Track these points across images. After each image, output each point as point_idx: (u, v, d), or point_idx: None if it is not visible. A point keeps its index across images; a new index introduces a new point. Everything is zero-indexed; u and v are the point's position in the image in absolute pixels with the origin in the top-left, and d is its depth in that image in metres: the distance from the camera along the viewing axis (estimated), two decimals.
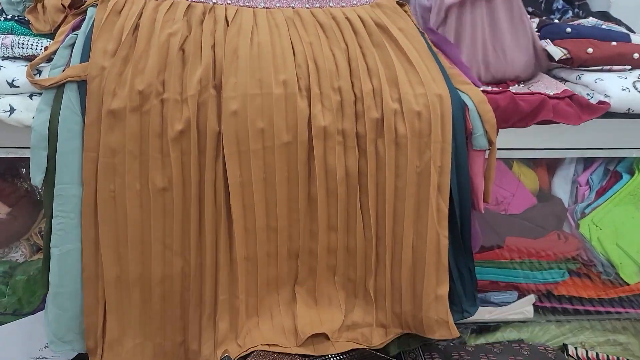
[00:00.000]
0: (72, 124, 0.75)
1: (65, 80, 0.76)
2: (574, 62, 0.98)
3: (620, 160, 1.06)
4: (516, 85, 1.02)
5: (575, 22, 1.11)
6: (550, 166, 1.11)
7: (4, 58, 0.82)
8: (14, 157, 0.84)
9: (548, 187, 1.12)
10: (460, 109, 0.84)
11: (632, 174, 1.06)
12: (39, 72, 0.80)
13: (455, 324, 0.87)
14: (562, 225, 1.11)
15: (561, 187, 1.10)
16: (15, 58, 0.83)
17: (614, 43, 1.01)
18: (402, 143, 0.81)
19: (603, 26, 1.10)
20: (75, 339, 0.80)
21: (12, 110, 0.77)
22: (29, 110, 0.78)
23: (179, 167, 0.77)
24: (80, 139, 0.75)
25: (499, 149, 0.87)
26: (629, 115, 0.92)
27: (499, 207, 1.07)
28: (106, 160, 0.75)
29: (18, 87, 0.78)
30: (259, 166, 0.78)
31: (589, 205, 1.08)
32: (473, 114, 0.85)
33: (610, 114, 0.92)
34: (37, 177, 0.75)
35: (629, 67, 0.98)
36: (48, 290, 0.78)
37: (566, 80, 1.02)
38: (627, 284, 1.11)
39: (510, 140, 0.93)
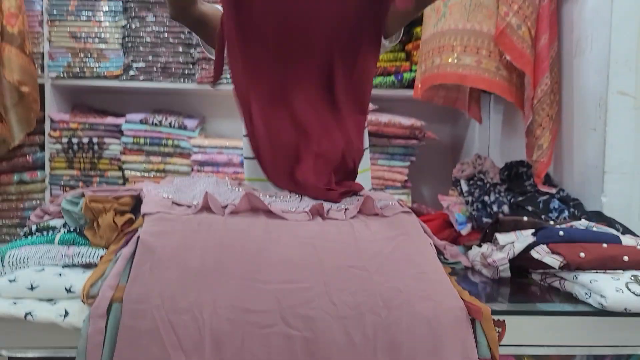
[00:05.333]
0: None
1: None
2: (570, 267, 1.07)
3: (629, 356, 1.09)
4: None
5: (568, 225, 1.22)
6: None
7: (65, 266, 0.95)
8: (64, 356, 0.92)
9: None
10: None
11: None
12: None
13: None
14: None
15: None
16: (73, 266, 0.96)
17: (605, 245, 1.10)
18: None
19: (594, 228, 1.21)
20: None
21: (66, 314, 0.88)
22: (80, 314, 0.88)
23: None
24: None
25: (509, 345, 0.93)
26: (626, 314, 0.99)
27: None
28: None
29: (74, 292, 0.90)
30: None
31: None
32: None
33: (610, 313, 0.98)
34: None
35: (621, 270, 1.06)
36: None
37: (564, 279, 1.10)
38: None
39: (521, 336, 0.98)
